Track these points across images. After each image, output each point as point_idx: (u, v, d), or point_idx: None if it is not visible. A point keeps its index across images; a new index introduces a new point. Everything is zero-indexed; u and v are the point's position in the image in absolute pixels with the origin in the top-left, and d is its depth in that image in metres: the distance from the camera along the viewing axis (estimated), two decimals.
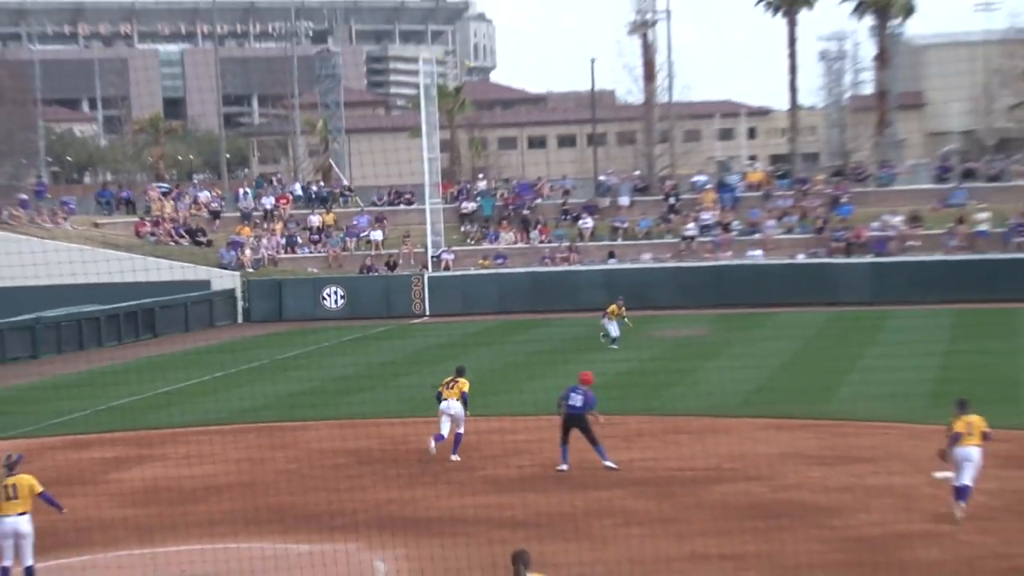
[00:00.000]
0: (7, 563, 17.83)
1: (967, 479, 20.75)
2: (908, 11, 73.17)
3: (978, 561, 18.12)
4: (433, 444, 26.20)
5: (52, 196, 70.23)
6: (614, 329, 40.90)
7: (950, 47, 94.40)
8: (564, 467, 24.72)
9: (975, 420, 21.01)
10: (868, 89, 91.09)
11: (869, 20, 75.16)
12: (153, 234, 64.02)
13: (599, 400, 24.76)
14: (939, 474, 23.03)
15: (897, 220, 59.64)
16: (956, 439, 20.81)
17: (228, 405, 33.56)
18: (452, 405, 26.15)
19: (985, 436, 20.99)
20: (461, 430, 26.49)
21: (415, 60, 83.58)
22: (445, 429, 26.33)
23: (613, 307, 41.69)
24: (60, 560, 19.63)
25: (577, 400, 24.40)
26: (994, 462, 23.78)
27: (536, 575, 13.78)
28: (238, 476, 25.22)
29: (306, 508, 22.66)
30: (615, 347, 40.92)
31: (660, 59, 74.05)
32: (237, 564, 18.56)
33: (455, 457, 26.28)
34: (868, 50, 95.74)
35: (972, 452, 20.70)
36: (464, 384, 26.45)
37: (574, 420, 24.46)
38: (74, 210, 65.77)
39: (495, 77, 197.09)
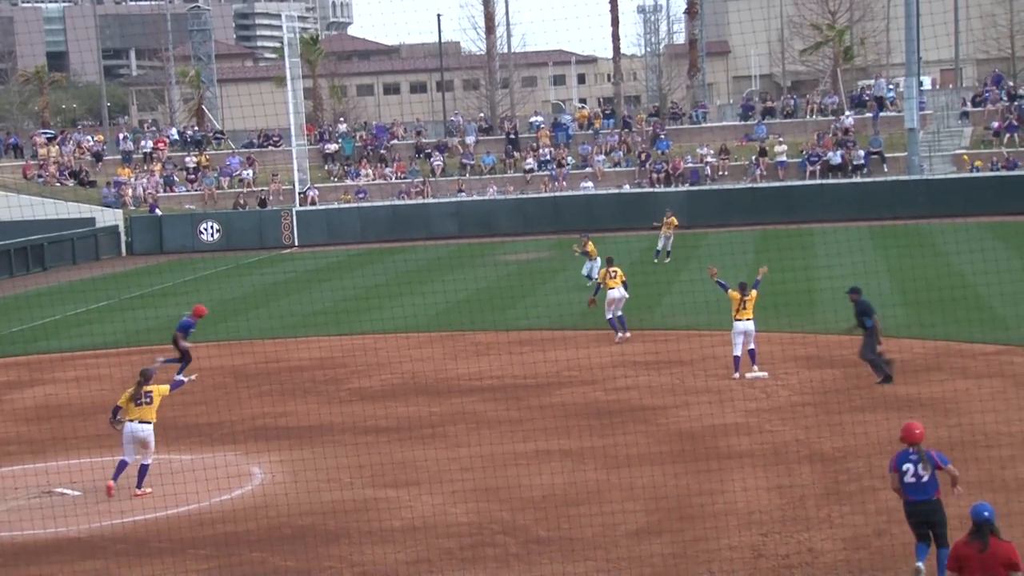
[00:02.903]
0: None
1: (751, 345, 23.27)
2: None
3: (782, 447, 18.45)
4: (619, 334, 27.80)
5: None
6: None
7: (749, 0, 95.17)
8: None
9: (752, 296, 23.32)
10: (680, 38, 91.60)
11: None
12: (40, 176, 61.94)
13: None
14: (750, 374, 23.44)
15: (708, 153, 60.33)
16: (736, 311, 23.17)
17: (114, 329, 32.62)
18: (618, 291, 27.83)
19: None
20: (621, 313, 28.03)
21: (279, 16, 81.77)
22: (610, 313, 27.90)
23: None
24: None
25: None
26: (795, 363, 24.32)
27: (158, 386, 17.57)
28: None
29: (188, 421, 22.17)
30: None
31: (499, 14, 73.74)
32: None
33: (628, 335, 27.77)
34: (679, 4, 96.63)
35: (748, 325, 23.18)
36: (621, 271, 28.26)
37: None
38: None
39: (352, 31, 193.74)
